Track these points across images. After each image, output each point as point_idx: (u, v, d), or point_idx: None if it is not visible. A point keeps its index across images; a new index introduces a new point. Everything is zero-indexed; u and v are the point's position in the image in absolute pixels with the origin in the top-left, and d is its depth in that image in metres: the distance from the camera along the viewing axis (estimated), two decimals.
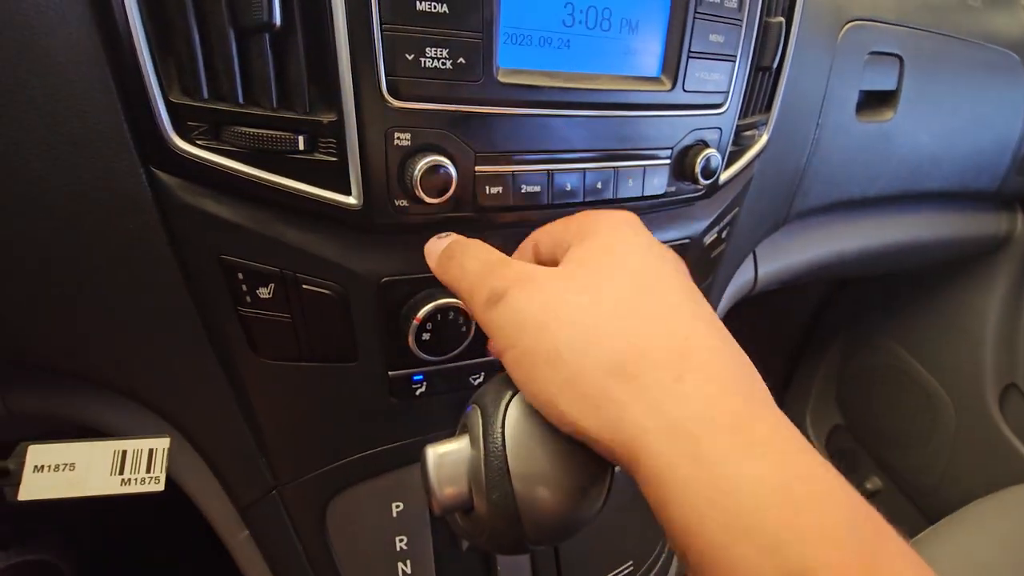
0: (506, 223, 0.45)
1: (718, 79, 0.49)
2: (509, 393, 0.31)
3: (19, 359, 0.40)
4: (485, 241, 0.37)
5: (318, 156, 0.38)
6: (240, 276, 0.40)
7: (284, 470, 0.50)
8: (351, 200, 0.39)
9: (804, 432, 1.58)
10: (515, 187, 0.42)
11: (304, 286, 0.41)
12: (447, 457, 0.31)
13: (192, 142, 0.35)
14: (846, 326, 1.54)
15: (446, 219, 0.42)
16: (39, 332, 0.39)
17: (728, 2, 0.46)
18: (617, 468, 0.31)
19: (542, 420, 0.30)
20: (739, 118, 0.55)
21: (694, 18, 0.45)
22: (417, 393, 0.49)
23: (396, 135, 0.37)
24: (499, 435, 0.29)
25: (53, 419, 0.46)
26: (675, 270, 0.33)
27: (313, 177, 0.38)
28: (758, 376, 0.30)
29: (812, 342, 1.61)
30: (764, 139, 0.61)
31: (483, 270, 0.34)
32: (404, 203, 0.39)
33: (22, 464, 0.32)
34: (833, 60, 0.71)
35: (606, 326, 0.29)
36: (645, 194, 0.49)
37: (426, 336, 0.43)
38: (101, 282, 0.38)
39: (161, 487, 0.36)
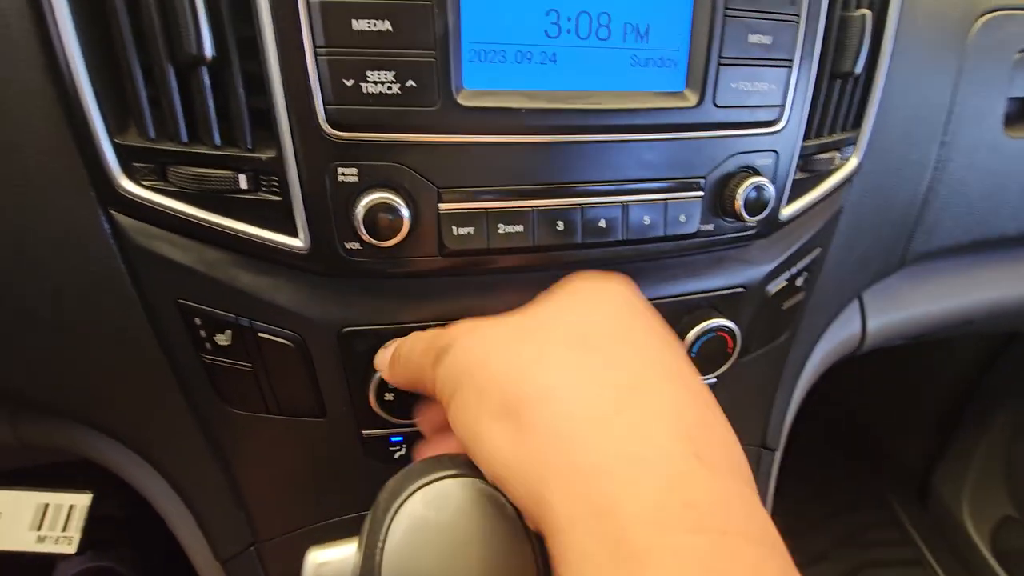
0: (486, 269, 0.38)
1: (767, 90, 0.39)
2: (408, 490, 0.24)
3: (7, 394, 0.41)
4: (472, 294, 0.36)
5: (262, 196, 0.34)
6: (198, 321, 0.38)
7: (263, 526, 0.47)
8: (297, 243, 0.35)
9: (961, 524, 1.28)
10: (491, 228, 0.36)
11: (260, 334, 0.38)
12: (327, 568, 0.25)
13: (139, 183, 0.34)
14: (1016, 391, 1.22)
15: (410, 264, 0.36)
16: (12, 369, 0.39)
17: None
18: None
19: (443, 527, 0.23)
20: (808, 137, 0.44)
21: (725, 15, 0.36)
22: (396, 456, 0.44)
23: (340, 170, 0.33)
24: (379, 548, 0.23)
25: (60, 452, 0.48)
26: (633, 313, 0.32)
27: (258, 218, 0.35)
28: (724, 428, 0.27)
29: (970, 410, 1.31)
30: (853, 163, 0.49)
31: (427, 343, 0.33)
32: (356, 246, 0.35)
33: None
34: (962, 62, 0.56)
35: (546, 359, 0.27)
36: (670, 233, 0.40)
37: (389, 396, 0.38)
38: (68, 322, 0.38)
39: (73, 549, 0.34)
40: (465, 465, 0.25)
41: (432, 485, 0.24)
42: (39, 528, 0.33)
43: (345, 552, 0.25)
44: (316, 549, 0.26)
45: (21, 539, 0.32)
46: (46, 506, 0.34)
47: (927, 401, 1.37)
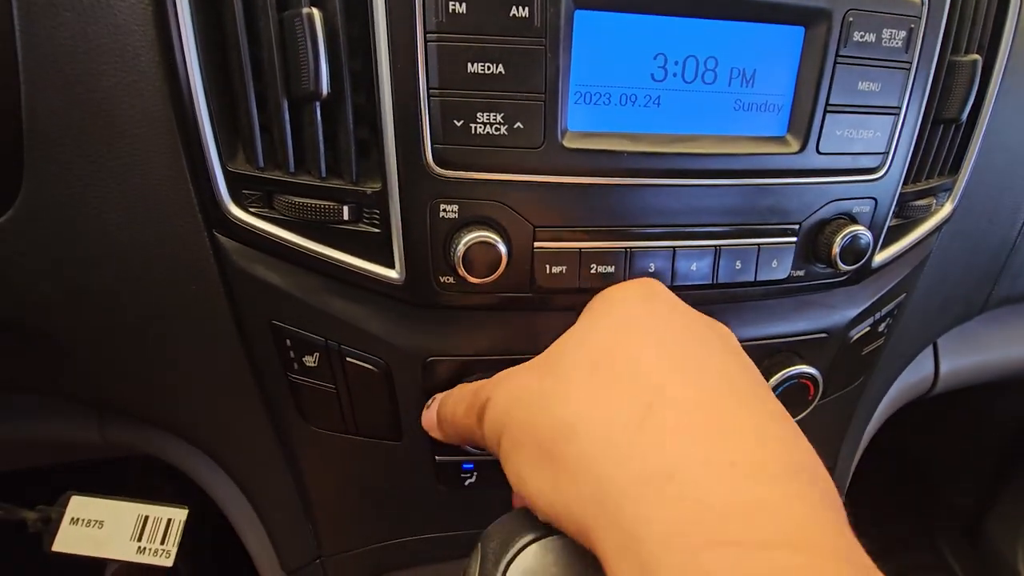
0: (574, 305, 0.38)
1: (871, 137, 0.38)
2: (522, 541, 0.24)
3: (100, 399, 0.43)
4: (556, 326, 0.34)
5: (363, 227, 0.35)
6: (288, 343, 0.39)
7: (330, 541, 0.48)
8: (393, 274, 0.35)
9: (1015, 570, 1.21)
10: (583, 267, 0.36)
11: (348, 359, 0.39)
12: None
13: (246, 210, 0.35)
14: None
15: (500, 299, 0.37)
16: (106, 377, 0.41)
17: (890, 40, 0.36)
18: None
19: None
20: (906, 184, 0.42)
21: (835, 63, 0.35)
22: (466, 483, 0.44)
23: (442, 207, 0.33)
24: None
25: (140, 452, 0.50)
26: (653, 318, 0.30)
27: (358, 249, 0.35)
28: (777, 423, 0.25)
29: None
30: (947, 209, 0.47)
31: (469, 403, 0.32)
32: (450, 280, 0.35)
33: (62, 513, 0.33)
34: None
35: (566, 391, 0.26)
36: (759, 279, 0.39)
37: None
38: (164, 333, 0.40)
39: (170, 563, 0.35)
40: None
41: (544, 540, 0.24)
42: (139, 539, 0.35)
43: None
44: None
45: (123, 549, 0.34)
46: (146, 518, 0.35)
47: (983, 440, 1.31)
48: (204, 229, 0.37)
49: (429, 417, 0.37)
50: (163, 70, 0.33)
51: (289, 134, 0.33)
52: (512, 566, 0.24)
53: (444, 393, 0.37)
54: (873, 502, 1.37)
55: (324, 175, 0.34)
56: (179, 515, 0.37)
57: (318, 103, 0.33)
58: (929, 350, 0.67)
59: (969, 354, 0.69)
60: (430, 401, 0.38)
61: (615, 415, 0.24)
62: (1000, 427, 1.28)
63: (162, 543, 0.35)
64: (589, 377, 0.26)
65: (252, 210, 0.35)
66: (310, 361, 0.39)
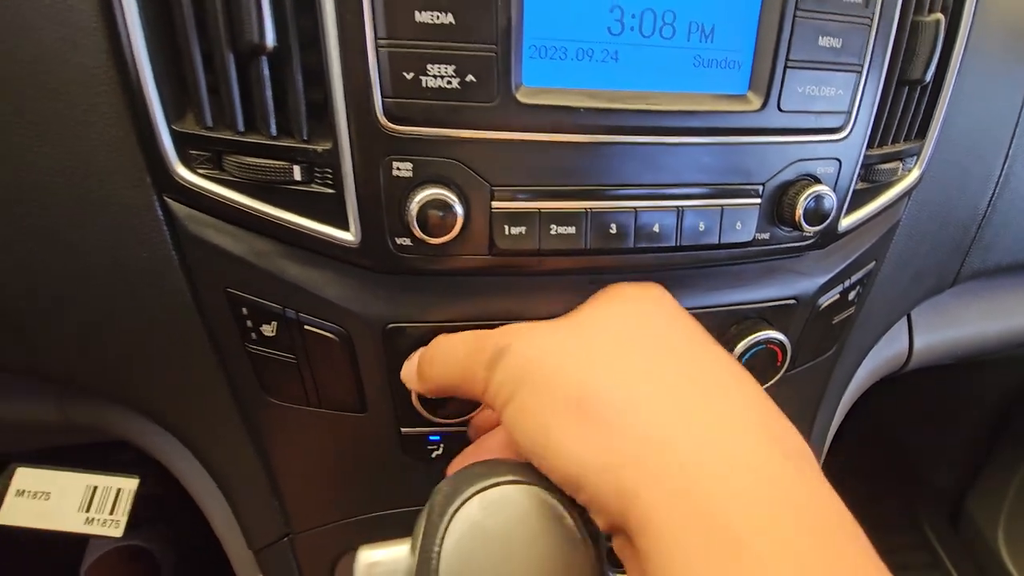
0: (535, 270, 0.38)
1: (834, 95, 0.37)
2: (465, 494, 0.24)
3: (58, 375, 0.41)
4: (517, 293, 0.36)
5: (315, 188, 0.34)
6: (245, 311, 0.38)
7: (297, 517, 0.47)
8: (348, 236, 0.35)
9: (995, 550, 1.23)
10: (543, 228, 0.35)
11: (306, 327, 0.38)
12: (379, 568, 0.24)
13: (194, 171, 0.34)
14: None
15: (459, 262, 0.36)
16: (59, 352, 0.40)
17: None
18: None
19: (499, 534, 0.22)
20: (872, 146, 0.42)
21: (795, 16, 0.34)
22: (433, 455, 0.43)
23: (395, 165, 0.33)
24: (435, 552, 0.22)
25: (104, 432, 0.49)
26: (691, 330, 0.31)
27: (311, 210, 0.35)
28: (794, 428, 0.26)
29: (1011, 430, 1.26)
30: (915, 174, 0.47)
31: (473, 346, 0.32)
32: (407, 242, 0.35)
33: (7, 485, 0.32)
34: None
35: (614, 358, 0.27)
36: (724, 241, 0.39)
37: None
38: (116, 306, 0.38)
39: (119, 533, 0.34)
40: (521, 471, 0.25)
41: (489, 491, 0.24)
42: (88, 510, 0.34)
43: (397, 553, 0.25)
44: (367, 548, 0.26)
45: (70, 520, 0.33)
46: (95, 488, 0.34)
47: (964, 420, 1.32)
48: (153, 194, 0.36)
49: (409, 370, 0.37)
50: (103, 24, 0.32)
51: (237, 91, 0.32)
52: (456, 516, 0.23)
53: (434, 343, 0.36)
54: (855, 482, 1.38)
55: (275, 134, 0.33)
56: (129, 484, 0.36)
57: (265, 58, 0.32)
58: (903, 324, 0.67)
59: (943, 329, 0.69)
60: (411, 356, 0.37)
61: (671, 391, 0.25)
62: (981, 406, 1.30)
63: (111, 513, 0.34)
64: (635, 350, 0.27)
65: (201, 172, 0.34)
66: (268, 330, 0.38)
